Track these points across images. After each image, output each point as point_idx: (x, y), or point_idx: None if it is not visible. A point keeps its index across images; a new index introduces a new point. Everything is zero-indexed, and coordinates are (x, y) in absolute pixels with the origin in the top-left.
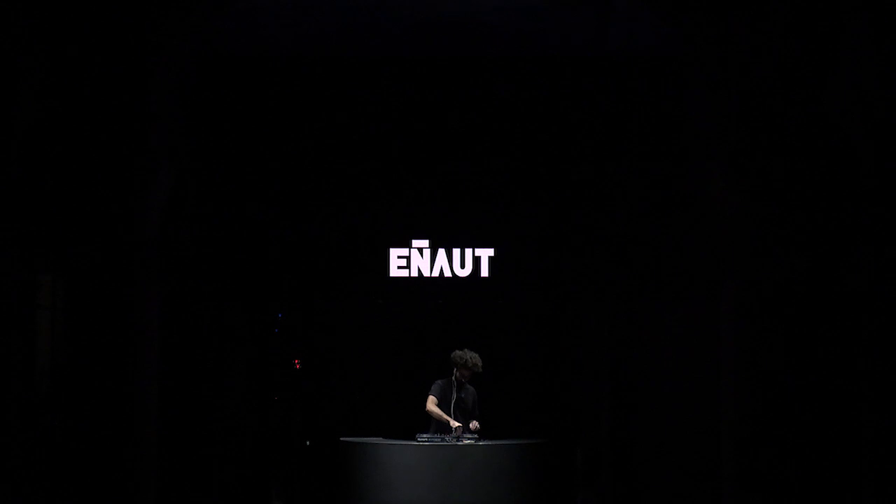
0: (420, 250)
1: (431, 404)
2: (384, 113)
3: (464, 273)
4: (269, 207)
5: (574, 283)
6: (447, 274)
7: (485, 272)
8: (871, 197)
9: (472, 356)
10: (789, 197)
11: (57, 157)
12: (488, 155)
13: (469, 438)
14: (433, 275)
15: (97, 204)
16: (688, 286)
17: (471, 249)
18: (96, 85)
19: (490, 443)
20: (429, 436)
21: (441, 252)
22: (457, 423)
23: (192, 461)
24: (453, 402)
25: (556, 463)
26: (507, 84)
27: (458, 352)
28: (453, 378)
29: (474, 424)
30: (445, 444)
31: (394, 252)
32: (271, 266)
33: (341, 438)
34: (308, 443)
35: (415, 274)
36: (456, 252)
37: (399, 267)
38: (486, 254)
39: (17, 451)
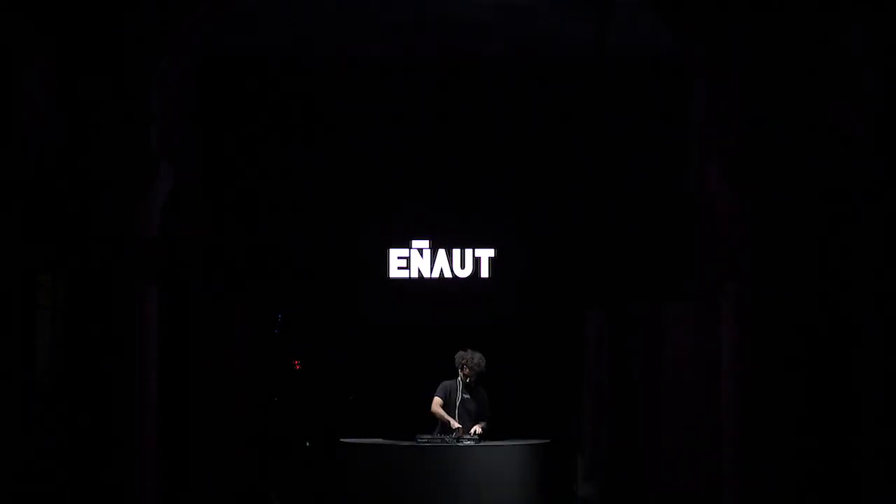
0: (420, 251)
1: (436, 405)
2: (384, 113)
3: (464, 274)
4: (268, 207)
5: (574, 283)
6: (447, 275)
7: (485, 273)
8: (872, 197)
9: (473, 356)
10: (790, 197)
11: (57, 157)
12: (489, 155)
13: (469, 439)
14: (433, 275)
15: (97, 204)
16: (689, 286)
17: (471, 250)
18: (96, 85)
19: (490, 444)
20: (429, 437)
21: (441, 252)
22: (457, 424)
23: (191, 461)
24: (458, 403)
25: (557, 463)
26: (507, 84)
27: (461, 352)
28: (459, 379)
29: (475, 428)
30: (445, 445)
31: (394, 252)
32: (271, 266)
33: (341, 439)
34: (308, 443)
35: (415, 275)
36: (456, 252)
37: (399, 268)
38: (486, 254)
39: (17, 450)
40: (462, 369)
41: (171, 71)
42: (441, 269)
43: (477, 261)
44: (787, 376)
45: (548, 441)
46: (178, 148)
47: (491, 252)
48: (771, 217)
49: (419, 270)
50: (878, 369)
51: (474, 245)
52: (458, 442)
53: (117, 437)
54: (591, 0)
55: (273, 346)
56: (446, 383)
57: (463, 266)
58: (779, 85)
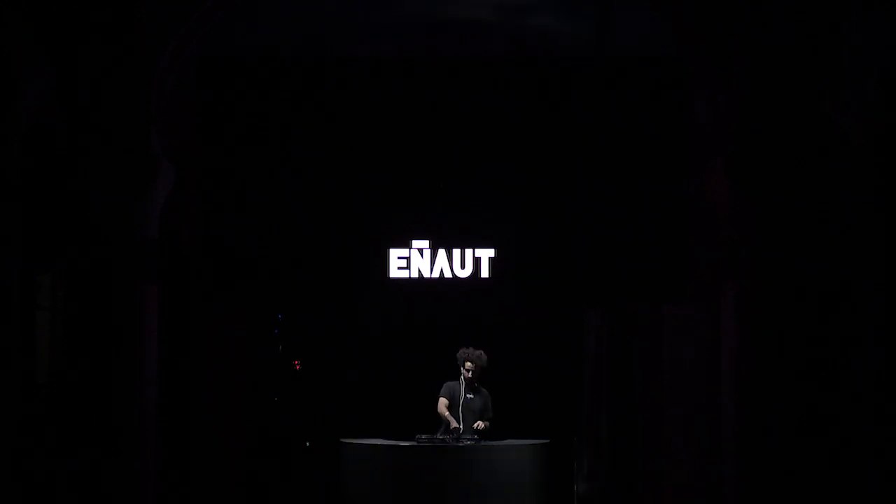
0: (420, 251)
1: (442, 406)
2: (384, 113)
3: (464, 274)
4: (268, 207)
5: (574, 283)
6: (447, 275)
7: (485, 273)
8: (871, 197)
9: (475, 351)
10: (790, 197)
11: (57, 157)
12: (488, 155)
13: (469, 439)
14: (433, 275)
15: (97, 204)
16: (689, 286)
17: (471, 250)
18: (96, 85)
19: (490, 444)
20: (428, 436)
21: (441, 252)
22: (455, 424)
23: (191, 461)
24: (461, 402)
25: (557, 463)
26: (507, 84)
27: (462, 350)
28: (461, 378)
29: (479, 424)
30: (445, 444)
31: (393, 252)
32: (271, 266)
33: (341, 439)
34: (308, 443)
35: (415, 275)
36: (456, 252)
37: (399, 268)
38: (486, 254)
39: (18, 450)
40: (464, 365)
41: (171, 71)
42: (441, 269)
43: (477, 261)
44: (787, 376)
45: (548, 441)
46: (178, 148)
47: (491, 252)
48: (771, 217)
49: (419, 270)
50: (877, 369)
51: (474, 245)
52: (457, 442)
53: (117, 436)
54: (591, 0)
55: (273, 346)
56: (449, 384)
57: (463, 266)
58: (778, 85)
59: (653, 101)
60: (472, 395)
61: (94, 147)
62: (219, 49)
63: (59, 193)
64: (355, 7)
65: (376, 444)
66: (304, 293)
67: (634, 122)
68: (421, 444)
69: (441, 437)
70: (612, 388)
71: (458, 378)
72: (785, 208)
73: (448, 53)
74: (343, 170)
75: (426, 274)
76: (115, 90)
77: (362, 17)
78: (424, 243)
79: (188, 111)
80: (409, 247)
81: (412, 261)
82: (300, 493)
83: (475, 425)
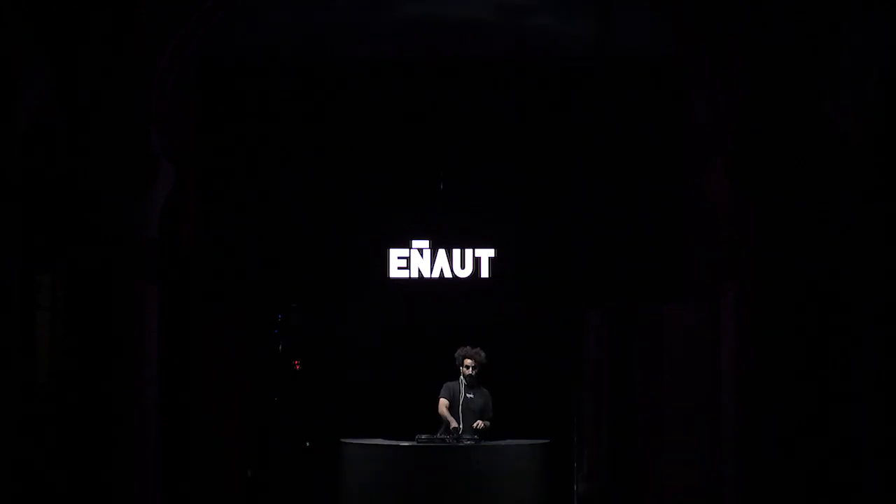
0: (420, 251)
1: (442, 407)
2: (383, 113)
3: (464, 274)
4: (268, 207)
5: (574, 283)
6: (447, 275)
7: (485, 273)
8: (871, 197)
9: (471, 349)
10: (790, 197)
11: (57, 157)
12: (488, 155)
13: (469, 439)
14: (433, 275)
15: (97, 204)
16: (689, 286)
17: (471, 250)
18: (96, 85)
19: (490, 444)
20: (428, 436)
21: (441, 252)
22: (454, 424)
23: (191, 461)
24: (461, 402)
25: (557, 463)
26: (507, 84)
27: (461, 349)
28: (461, 378)
29: (479, 424)
30: (445, 444)
31: (394, 252)
32: (271, 266)
33: (341, 439)
34: (308, 443)
35: (415, 275)
36: (456, 252)
37: (399, 268)
38: (486, 254)
39: (18, 450)
40: (463, 363)
41: (171, 71)
42: (441, 269)
43: (477, 261)
44: (787, 376)
45: (548, 441)
46: (178, 148)
47: (491, 252)
48: (771, 217)
49: (419, 270)
50: (877, 369)
51: (474, 245)
52: (457, 442)
53: (117, 436)
54: (592, 0)
55: (273, 346)
56: (449, 384)
57: (463, 266)
58: (778, 85)
59: (653, 101)
60: (472, 395)
61: (94, 147)
62: (219, 49)
63: (59, 193)
64: (355, 7)
65: (376, 444)
66: (304, 294)
67: (635, 122)
68: (421, 444)
69: (441, 437)
70: (612, 388)
71: (457, 378)
72: (785, 208)
73: (448, 53)
74: (343, 170)
75: (426, 274)
76: (115, 90)
77: (362, 17)
78: (424, 243)
79: (188, 111)
80: (409, 247)
81: (412, 261)
82: (300, 493)
83: (475, 425)
